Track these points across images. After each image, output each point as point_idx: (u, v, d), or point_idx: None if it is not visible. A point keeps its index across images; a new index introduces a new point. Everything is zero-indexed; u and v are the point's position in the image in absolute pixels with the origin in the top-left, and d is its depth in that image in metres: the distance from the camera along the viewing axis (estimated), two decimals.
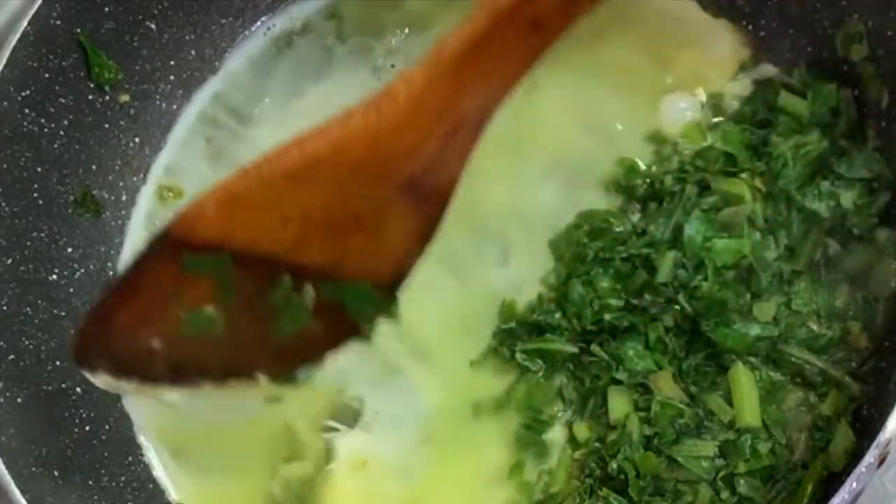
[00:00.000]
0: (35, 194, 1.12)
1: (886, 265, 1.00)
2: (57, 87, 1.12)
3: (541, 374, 1.08)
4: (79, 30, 1.13)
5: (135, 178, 1.23)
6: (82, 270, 1.17)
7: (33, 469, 0.99)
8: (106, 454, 1.11)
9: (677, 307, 1.02)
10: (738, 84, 1.15)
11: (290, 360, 0.92)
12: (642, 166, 1.13)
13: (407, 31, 1.26)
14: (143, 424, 1.15)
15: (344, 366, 1.12)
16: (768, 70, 1.15)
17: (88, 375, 0.89)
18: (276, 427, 1.12)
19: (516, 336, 1.09)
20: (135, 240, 1.22)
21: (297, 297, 0.86)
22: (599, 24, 1.18)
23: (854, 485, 0.84)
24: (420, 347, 1.12)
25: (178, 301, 0.85)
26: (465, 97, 0.81)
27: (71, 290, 1.15)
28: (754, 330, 0.99)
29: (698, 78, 1.16)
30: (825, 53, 1.09)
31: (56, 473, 1.02)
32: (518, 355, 1.08)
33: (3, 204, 1.08)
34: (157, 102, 1.24)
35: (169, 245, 0.83)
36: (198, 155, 1.25)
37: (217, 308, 0.86)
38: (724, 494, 0.96)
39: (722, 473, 0.97)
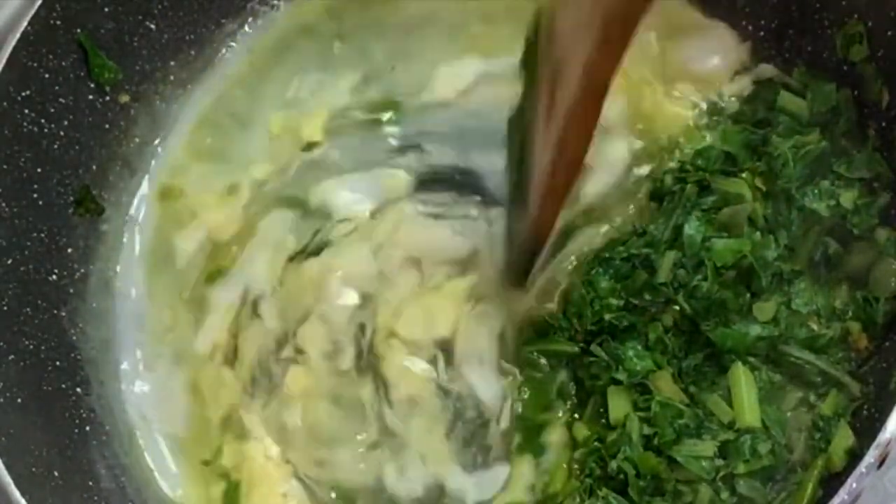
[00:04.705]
0: (35, 194, 1.12)
1: (886, 265, 1.00)
2: (57, 87, 1.12)
3: (541, 374, 1.08)
4: (79, 30, 1.13)
5: (135, 178, 1.23)
6: (82, 270, 1.17)
7: (33, 469, 0.99)
8: (106, 454, 1.11)
9: (677, 307, 1.02)
10: (737, 84, 1.15)
11: None
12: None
13: (407, 31, 1.26)
14: (143, 425, 1.15)
15: None
16: (768, 70, 1.15)
17: None
18: None
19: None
20: (135, 240, 1.22)
21: None
22: None
23: (854, 485, 0.84)
24: None
25: None
26: None
27: (71, 290, 1.15)
28: (754, 330, 0.99)
29: (698, 78, 1.16)
30: (825, 53, 1.09)
31: (56, 473, 1.02)
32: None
33: (3, 204, 1.08)
34: (157, 102, 1.25)
35: None
36: (198, 155, 1.25)
37: None
38: (724, 495, 0.96)
39: (722, 473, 0.97)
